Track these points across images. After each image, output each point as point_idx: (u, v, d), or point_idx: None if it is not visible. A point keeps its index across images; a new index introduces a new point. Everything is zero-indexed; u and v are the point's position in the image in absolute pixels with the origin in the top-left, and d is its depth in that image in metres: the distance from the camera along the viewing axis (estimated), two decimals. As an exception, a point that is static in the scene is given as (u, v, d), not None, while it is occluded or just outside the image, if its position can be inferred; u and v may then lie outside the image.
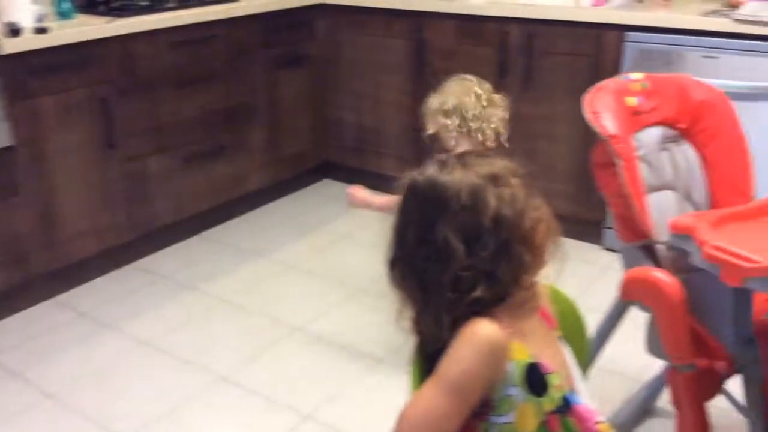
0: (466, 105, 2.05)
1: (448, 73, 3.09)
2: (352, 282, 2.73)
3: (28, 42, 2.38)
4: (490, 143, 2.06)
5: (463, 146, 2.04)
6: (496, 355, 1.00)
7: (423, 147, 3.29)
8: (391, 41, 3.25)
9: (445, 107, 2.05)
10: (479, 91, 2.09)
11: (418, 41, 3.15)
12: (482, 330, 1.00)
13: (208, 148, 3.04)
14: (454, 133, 2.05)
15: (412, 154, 3.36)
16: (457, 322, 1.02)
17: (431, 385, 1.02)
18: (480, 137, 2.05)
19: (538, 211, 1.05)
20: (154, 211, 2.87)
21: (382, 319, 2.48)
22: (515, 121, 3.03)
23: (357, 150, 3.55)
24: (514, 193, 1.03)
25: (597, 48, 2.75)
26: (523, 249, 1.02)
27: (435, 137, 2.11)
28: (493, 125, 2.07)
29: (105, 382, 2.20)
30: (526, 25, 2.85)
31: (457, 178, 1.03)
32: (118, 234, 2.76)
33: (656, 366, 1.96)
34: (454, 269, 1.01)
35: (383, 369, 2.23)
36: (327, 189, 3.66)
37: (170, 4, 2.91)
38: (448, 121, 2.05)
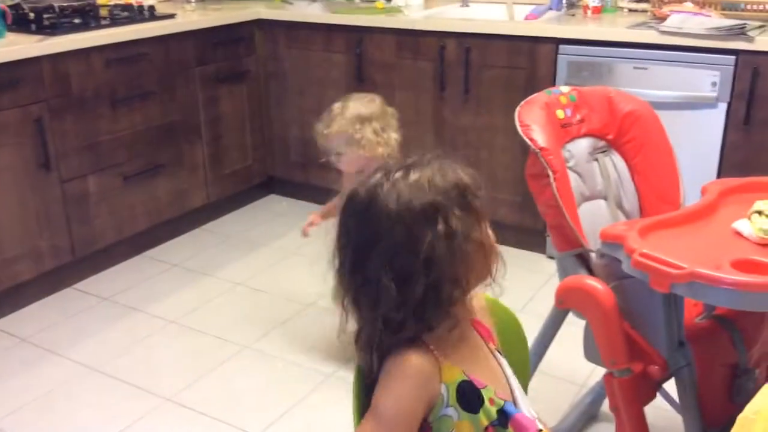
0: (374, 115, 2.06)
1: (388, 86, 3.15)
2: (300, 298, 2.73)
3: (-44, 62, 2.32)
4: (394, 154, 2.06)
5: (371, 159, 2.01)
6: (429, 383, 1.01)
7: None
8: (332, 56, 3.26)
9: (357, 119, 2.03)
10: (378, 103, 2.10)
11: (358, 56, 3.17)
12: (412, 362, 1.00)
13: (148, 166, 3.00)
14: (365, 144, 2.03)
15: (356, 167, 3.38)
16: (385, 351, 1.02)
17: (370, 421, 1.01)
18: (387, 148, 2.04)
19: (481, 241, 1.02)
20: (93, 231, 2.82)
21: (331, 335, 2.49)
22: (457, 132, 3.10)
23: (302, 165, 3.54)
24: (454, 229, 0.99)
25: (532, 61, 2.82)
26: (454, 288, 1.00)
27: (343, 155, 2.08)
28: (395, 135, 2.09)
29: (50, 410, 2.14)
30: (464, 39, 2.91)
31: (393, 208, 0.98)
32: (57, 256, 2.70)
33: (602, 371, 2.01)
34: (384, 308, 0.99)
35: (333, 384, 2.23)
36: (273, 205, 3.65)
37: (103, 22, 2.87)
38: (361, 134, 2.02)
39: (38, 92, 2.56)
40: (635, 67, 2.63)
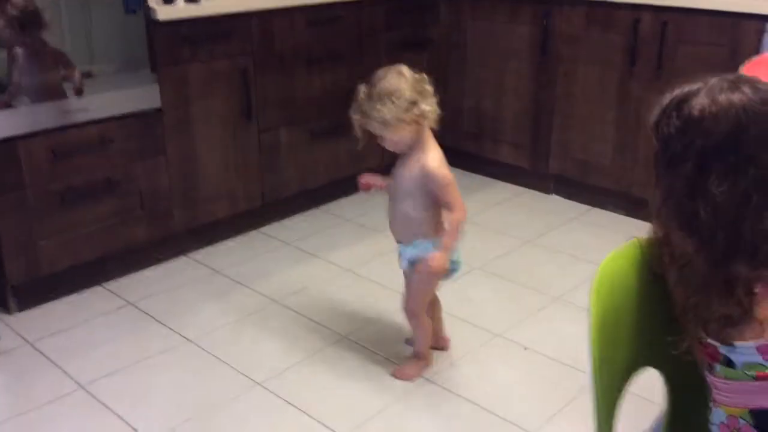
0: (401, 90, 1.84)
1: (573, 60, 3.11)
2: (469, 261, 2.76)
3: (179, 11, 2.54)
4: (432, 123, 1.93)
5: (408, 135, 1.90)
6: None
7: (540, 135, 3.31)
8: (516, 27, 3.26)
9: (382, 99, 1.82)
10: (407, 74, 1.89)
11: (544, 27, 3.15)
12: None
13: (333, 124, 3.14)
14: (395, 124, 1.84)
15: (531, 141, 3.37)
16: None
17: None
18: (425, 120, 1.90)
19: None
20: (281, 181, 3.01)
21: (497, 294, 2.53)
22: (645, 109, 3.01)
23: (474, 136, 3.58)
24: None
25: (734, 39, 2.68)
26: None
27: (384, 138, 1.89)
28: (428, 106, 1.90)
29: (239, 335, 2.33)
30: (660, 13, 2.81)
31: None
32: (248, 200, 2.91)
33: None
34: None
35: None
36: (441, 173, 3.70)
37: (308, -16, 3.04)
38: (391, 114, 1.82)
39: (246, 45, 2.76)
40: None
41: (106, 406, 1.99)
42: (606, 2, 2.95)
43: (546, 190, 3.41)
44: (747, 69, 1.59)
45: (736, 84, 1.00)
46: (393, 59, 3.31)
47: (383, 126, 1.86)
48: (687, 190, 1.01)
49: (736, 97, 0.99)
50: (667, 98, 1.05)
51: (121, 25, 2.45)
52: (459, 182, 3.53)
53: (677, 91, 1.04)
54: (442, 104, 3.55)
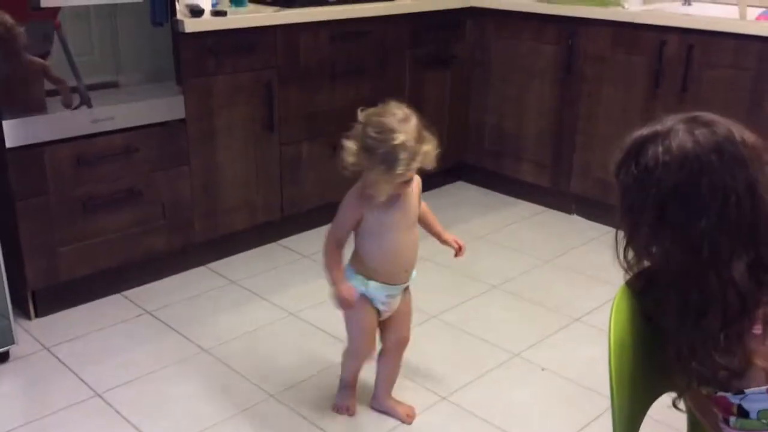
0: (420, 124, 1.77)
1: (597, 80, 3.10)
2: (488, 279, 2.76)
3: (206, 23, 2.57)
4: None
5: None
6: None
7: (562, 154, 3.29)
8: (541, 46, 3.26)
9: (419, 141, 1.74)
10: (407, 109, 1.80)
11: (569, 47, 3.14)
12: None
13: (354, 139, 3.14)
14: (430, 159, 1.79)
15: (552, 160, 3.36)
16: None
17: None
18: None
19: None
20: (301, 194, 3.01)
21: (515, 313, 2.51)
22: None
23: (495, 153, 3.57)
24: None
25: (762, 63, 2.66)
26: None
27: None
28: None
29: (254, 345, 2.32)
30: (686, 36, 2.80)
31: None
32: (268, 212, 2.92)
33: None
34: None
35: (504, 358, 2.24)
36: (461, 191, 3.70)
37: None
38: (427, 151, 1.76)
39: (271, 59, 2.78)
40: None
41: (121, 415, 1.99)
42: (632, 23, 2.94)
43: (566, 210, 3.39)
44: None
45: (692, 128, 0.99)
46: (417, 75, 3.36)
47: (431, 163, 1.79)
48: (650, 237, 1.03)
49: (690, 144, 0.98)
50: (628, 143, 1.04)
51: (147, 36, 2.48)
52: (479, 200, 3.58)
53: (637, 135, 1.03)
54: (464, 122, 3.60)
